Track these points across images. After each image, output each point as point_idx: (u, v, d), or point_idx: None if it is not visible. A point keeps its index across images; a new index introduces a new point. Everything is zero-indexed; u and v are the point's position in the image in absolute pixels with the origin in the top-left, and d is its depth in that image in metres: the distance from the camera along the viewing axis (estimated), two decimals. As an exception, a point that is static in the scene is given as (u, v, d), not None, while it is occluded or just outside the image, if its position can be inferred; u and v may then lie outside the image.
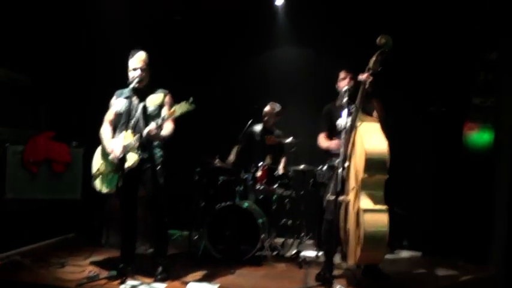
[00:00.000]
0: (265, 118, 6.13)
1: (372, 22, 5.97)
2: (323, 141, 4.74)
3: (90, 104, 6.03)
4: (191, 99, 4.04)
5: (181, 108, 4.07)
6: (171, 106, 4.27)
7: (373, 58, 4.22)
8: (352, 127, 4.27)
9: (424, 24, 5.93)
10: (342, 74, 4.67)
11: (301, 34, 6.69)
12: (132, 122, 4.37)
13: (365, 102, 4.28)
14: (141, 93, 4.48)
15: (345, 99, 4.34)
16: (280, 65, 6.88)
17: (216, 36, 6.86)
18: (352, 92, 4.47)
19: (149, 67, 4.50)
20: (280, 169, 5.87)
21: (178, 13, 6.72)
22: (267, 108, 6.15)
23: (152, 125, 4.23)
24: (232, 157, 5.85)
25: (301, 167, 5.74)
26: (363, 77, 4.21)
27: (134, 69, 4.43)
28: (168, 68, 6.63)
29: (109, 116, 4.57)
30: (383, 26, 4.92)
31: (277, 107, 6.17)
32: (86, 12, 6.26)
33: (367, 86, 4.21)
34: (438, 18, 5.85)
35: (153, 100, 4.49)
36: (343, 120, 4.24)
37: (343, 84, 4.59)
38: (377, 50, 4.19)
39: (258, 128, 6.14)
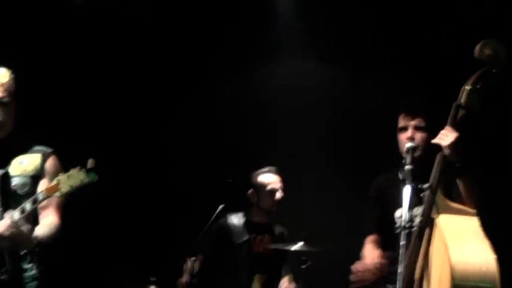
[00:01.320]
0: (275, 198, 6.18)
1: (460, 19, 6.31)
2: (371, 253, 4.74)
3: None
4: (90, 162, 4.01)
5: (71, 180, 4.04)
6: (54, 177, 4.21)
7: (467, 87, 4.17)
8: (424, 225, 4.18)
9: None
10: (400, 120, 4.72)
11: (324, 40, 7.08)
12: None
13: (447, 179, 4.25)
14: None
15: (406, 169, 4.28)
16: (280, 95, 7.25)
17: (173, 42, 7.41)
18: (425, 153, 4.51)
19: (15, 100, 4.49)
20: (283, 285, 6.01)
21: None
22: (275, 180, 6.25)
23: (13, 216, 4.13)
24: (184, 280, 5.78)
25: None
26: (436, 139, 4.21)
27: None
28: (56, 101, 6.84)
29: None
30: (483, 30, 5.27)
31: (276, 180, 6.26)
32: None
33: (447, 152, 4.16)
34: None
35: (23, 166, 4.50)
36: (406, 212, 4.16)
37: (404, 139, 4.62)
38: (476, 71, 4.18)
39: (237, 220, 6.23)
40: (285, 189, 6.27)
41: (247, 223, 6.19)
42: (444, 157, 4.17)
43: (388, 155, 4.83)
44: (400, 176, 4.60)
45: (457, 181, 4.30)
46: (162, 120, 7.36)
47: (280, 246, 5.95)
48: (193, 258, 5.71)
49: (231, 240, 6.09)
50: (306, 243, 5.70)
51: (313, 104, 7.11)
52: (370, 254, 4.73)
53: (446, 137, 4.14)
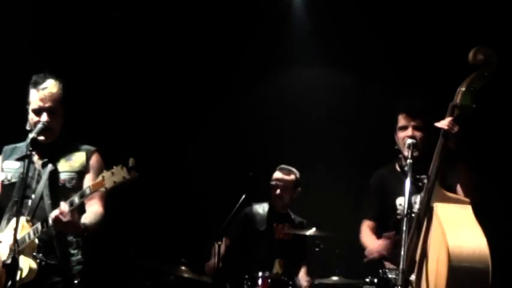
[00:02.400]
0: (275, 193, 6.15)
1: (456, 30, 6.30)
2: (366, 235, 4.84)
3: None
4: (131, 161, 3.98)
5: (114, 177, 4.02)
6: (98, 173, 4.21)
7: (462, 88, 4.16)
8: (423, 212, 4.17)
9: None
10: (401, 120, 4.67)
11: (332, 49, 7.09)
12: (31, 200, 4.36)
13: (445, 170, 4.23)
14: (49, 150, 4.48)
15: (408, 163, 4.28)
16: (300, 98, 7.22)
17: (192, 52, 7.42)
18: (422, 150, 4.49)
19: (64, 106, 4.52)
20: (303, 281, 5.93)
21: (123, 10, 7.30)
22: (276, 176, 6.20)
23: (63, 207, 4.09)
24: (212, 262, 5.76)
25: (334, 279, 5.73)
26: (442, 124, 4.19)
27: (37, 112, 4.43)
28: (100, 106, 6.87)
29: (-11, 189, 4.54)
30: (475, 36, 5.26)
31: (294, 174, 6.24)
32: None
33: (449, 141, 4.16)
34: None
35: (70, 163, 4.53)
36: (407, 200, 4.15)
37: (404, 136, 4.60)
38: (469, 74, 4.17)
39: (260, 209, 6.25)
40: (303, 183, 6.30)
41: (270, 212, 6.20)
42: (445, 145, 4.16)
43: (389, 151, 4.79)
44: (398, 167, 4.68)
45: (458, 165, 4.33)
46: (191, 124, 7.40)
47: (295, 231, 6.01)
48: (219, 242, 5.66)
49: (255, 227, 6.14)
50: (319, 228, 5.74)
51: (323, 108, 7.16)
52: (373, 234, 4.81)
53: (454, 126, 4.12)
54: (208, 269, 5.89)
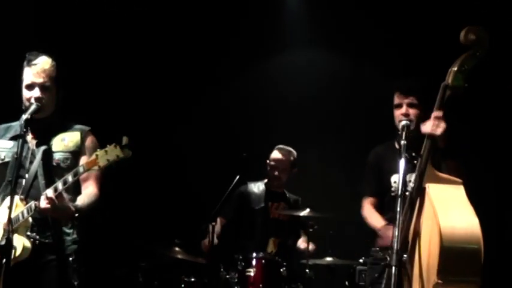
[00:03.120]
0: (273, 174, 6.15)
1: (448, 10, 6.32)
2: (371, 213, 4.78)
3: None
4: (125, 139, 3.94)
5: (108, 155, 3.97)
6: (92, 152, 4.15)
7: (454, 68, 4.10)
8: (416, 193, 4.12)
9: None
10: (396, 98, 4.67)
11: (327, 29, 7.09)
12: (25, 179, 4.31)
13: (438, 159, 4.21)
14: (42, 129, 4.45)
15: (402, 142, 4.22)
16: (291, 82, 7.23)
17: (184, 35, 7.39)
18: (418, 127, 4.37)
19: (57, 84, 4.47)
20: (302, 244, 5.99)
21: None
22: (274, 156, 6.20)
23: (49, 194, 4.06)
24: (206, 243, 5.75)
25: (327, 260, 5.77)
26: (426, 128, 4.13)
27: (29, 87, 4.39)
28: (93, 86, 6.87)
29: (-19, 168, 4.44)
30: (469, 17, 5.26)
31: (292, 155, 6.22)
32: None
33: (436, 141, 4.11)
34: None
35: (65, 143, 4.49)
36: (401, 180, 4.08)
37: (399, 115, 4.60)
38: (461, 54, 4.10)
39: (255, 188, 6.26)
40: (299, 165, 6.27)
41: (265, 191, 6.21)
42: (433, 144, 4.12)
43: (384, 131, 4.83)
44: (396, 145, 4.61)
45: (445, 163, 4.27)
46: (184, 106, 7.40)
47: (289, 212, 6.03)
48: (213, 223, 5.68)
49: (250, 206, 6.14)
50: (312, 209, 5.74)
51: (316, 89, 7.18)
52: (378, 219, 4.73)
53: (438, 127, 4.08)
54: (204, 247, 5.88)
